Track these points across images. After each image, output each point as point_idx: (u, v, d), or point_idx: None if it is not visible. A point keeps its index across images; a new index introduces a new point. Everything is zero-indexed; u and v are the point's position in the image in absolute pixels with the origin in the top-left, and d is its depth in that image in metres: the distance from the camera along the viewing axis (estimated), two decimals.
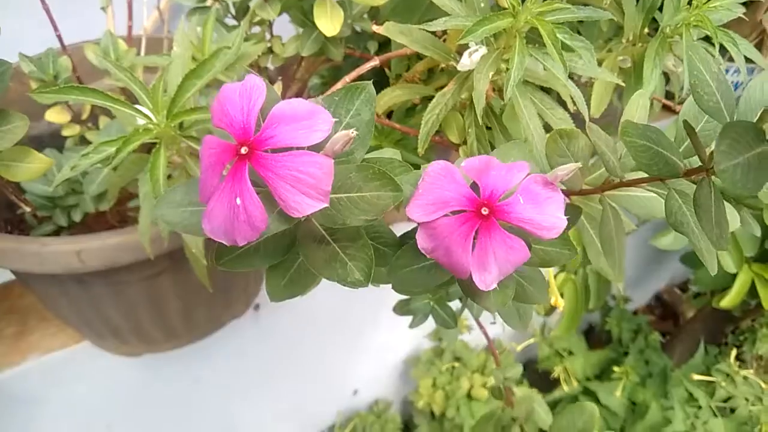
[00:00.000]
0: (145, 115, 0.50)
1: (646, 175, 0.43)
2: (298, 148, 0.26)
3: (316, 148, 0.26)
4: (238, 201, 0.25)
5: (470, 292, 0.34)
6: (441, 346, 1.48)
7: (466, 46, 0.65)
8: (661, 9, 0.65)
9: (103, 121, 0.83)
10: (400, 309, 0.74)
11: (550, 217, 0.29)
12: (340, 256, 0.31)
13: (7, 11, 0.78)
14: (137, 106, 0.50)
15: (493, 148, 0.60)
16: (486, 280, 0.30)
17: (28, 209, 0.68)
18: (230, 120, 0.26)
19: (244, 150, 0.25)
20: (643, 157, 0.34)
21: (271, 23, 0.75)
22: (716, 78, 0.34)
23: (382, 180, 0.28)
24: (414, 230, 0.42)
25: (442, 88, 0.74)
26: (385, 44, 0.90)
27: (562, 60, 0.48)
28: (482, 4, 0.58)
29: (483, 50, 0.53)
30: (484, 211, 0.30)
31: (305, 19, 0.73)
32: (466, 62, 0.52)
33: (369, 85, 0.31)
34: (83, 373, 0.98)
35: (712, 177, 0.36)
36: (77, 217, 0.73)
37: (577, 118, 0.61)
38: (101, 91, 0.48)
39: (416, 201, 0.30)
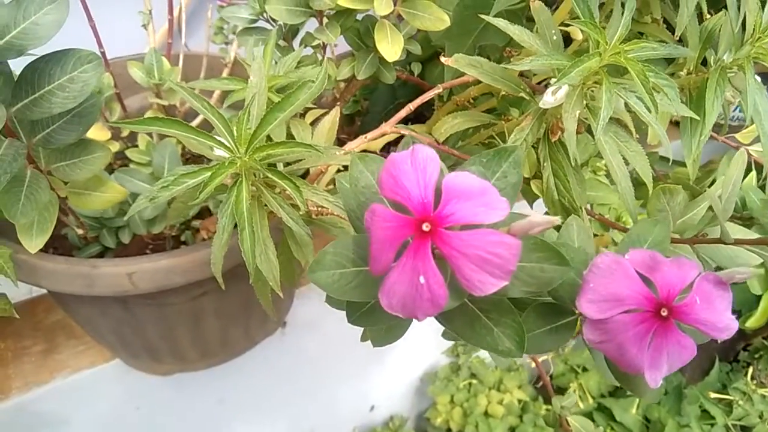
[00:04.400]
0: (227, 147, 0.49)
1: (747, 234, 0.43)
2: (475, 226, 0.25)
3: (493, 225, 0.25)
4: (422, 279, 0.24)
5: (627, 382, 0.34)
6: (458, 362, 1.47)
7: (528, 75, 0.65)
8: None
9: (142, 139, 0.82)
10: (450, 335, 0.73)
11: (724, 318, 0.29)
12: (483, 320, 0.30)
13: None
14: (218, 138, 0.49)
15: (564, 180, 0.59)
16: (656, 378, 0.29)
17: (80, 231, 0.67)
18: (407, 194, 0.25)
19: (426, 227, 0.25)
20: None
21: (325, 46, 0.73)
22: None
23: (545, 252, 0.27)
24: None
25: (490, 111, 0.74)
26: (426, 64, 0.90)
27: (652, 100, 0.48)
28: (554, 37, 0.58)
29: (566, 87, 0.52)
30: (663, 312, 0.29)
31: (361, 43, 0.72)
32: (549, 100, 0.52)
33: (518, 148, 0.30)
34: (111, 392, 0.97)
35: None
36: (126, 238, 0.71)
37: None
38: (185, 123, 0.47)
39: (588, 296, 0.29)
